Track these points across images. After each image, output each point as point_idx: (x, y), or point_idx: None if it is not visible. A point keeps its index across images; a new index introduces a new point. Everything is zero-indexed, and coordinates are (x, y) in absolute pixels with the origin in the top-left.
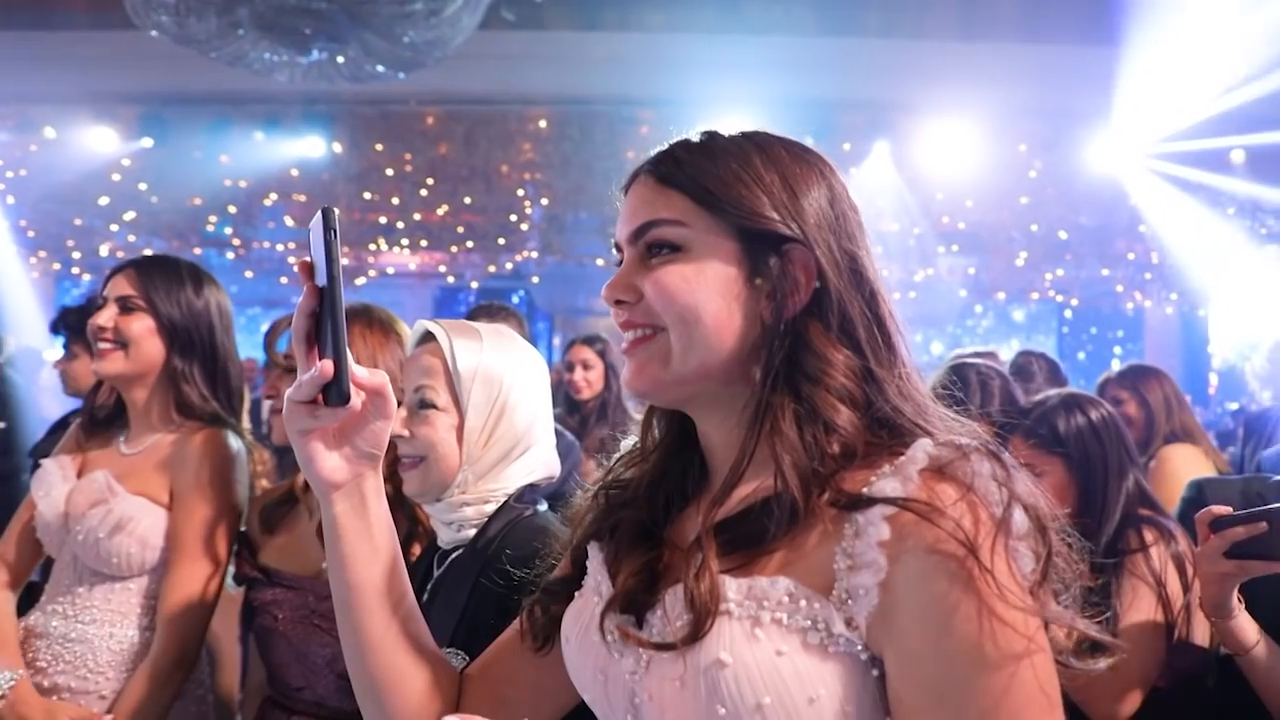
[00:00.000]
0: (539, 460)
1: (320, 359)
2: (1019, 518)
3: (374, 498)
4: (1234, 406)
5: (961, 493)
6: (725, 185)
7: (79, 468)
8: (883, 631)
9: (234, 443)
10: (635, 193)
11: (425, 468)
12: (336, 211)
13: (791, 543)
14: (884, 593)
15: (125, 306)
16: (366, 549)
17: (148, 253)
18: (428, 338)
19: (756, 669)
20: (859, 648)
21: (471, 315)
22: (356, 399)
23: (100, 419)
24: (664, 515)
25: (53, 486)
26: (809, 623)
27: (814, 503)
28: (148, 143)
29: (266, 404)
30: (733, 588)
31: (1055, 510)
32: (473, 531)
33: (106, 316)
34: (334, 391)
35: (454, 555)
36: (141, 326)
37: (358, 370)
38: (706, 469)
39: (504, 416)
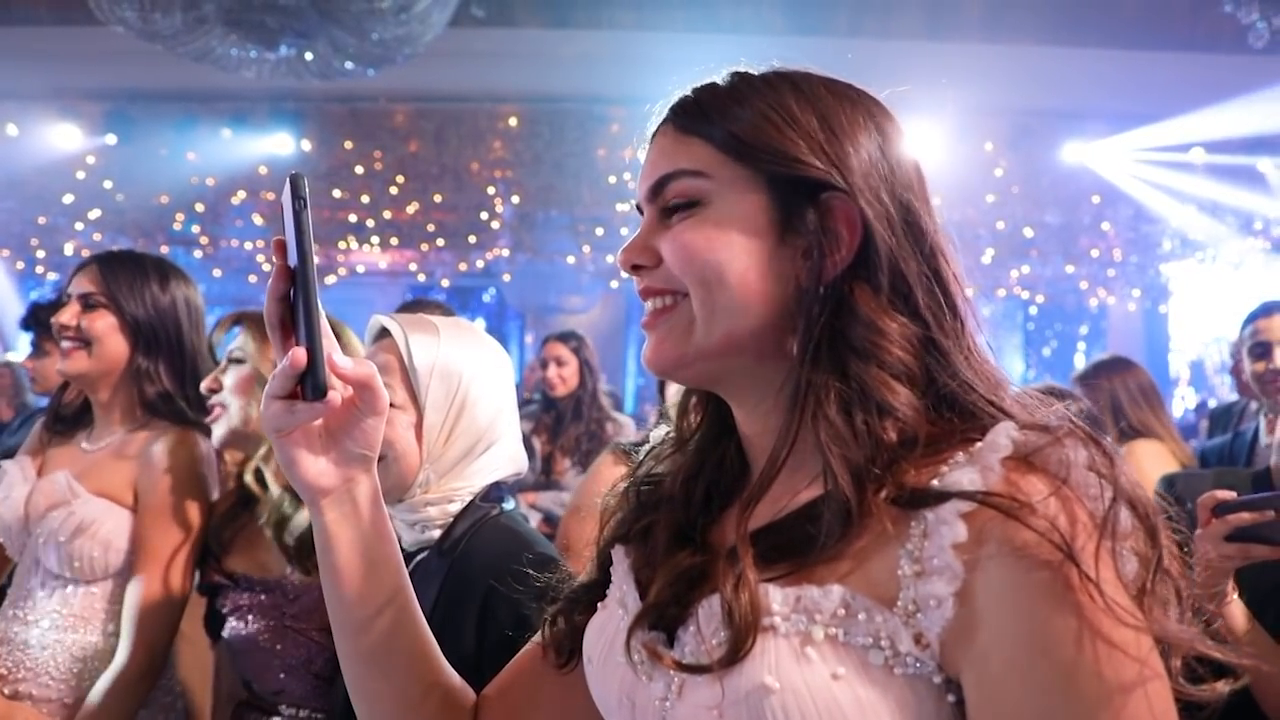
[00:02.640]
0: (505, 456)
1: (294, 347)
2: (1123, 515)
3: (368, 504)
4: (1194, 403)
5: (1054, 485)
6: (752, 128)
7: (39, 467)
8: (960, 651)
9: (203, 443)
10: (655, 144)
11: (384, 467)
12: (305, 179)
13: (847, 546)
14: (960, 605)
15: (88, 303)
16: (362, 561)
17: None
18: (383, 334)
19: (808, 695)
20: (931, 669)
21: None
22: (337, 393)
23: (65, 417)
24: (703, 515)
25: (13, 487)
26: (870, 639)
27: (870, 500)
28: (112, 140)
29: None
30: (778, 598)
31: (1164, 506)
32: (437, 532)
33: (69, 314)
34: (309, 384)
35: (419, 558)
36: (104, 324)
37: (340, 360)
38: (747, 462)
39: (464, 412)
